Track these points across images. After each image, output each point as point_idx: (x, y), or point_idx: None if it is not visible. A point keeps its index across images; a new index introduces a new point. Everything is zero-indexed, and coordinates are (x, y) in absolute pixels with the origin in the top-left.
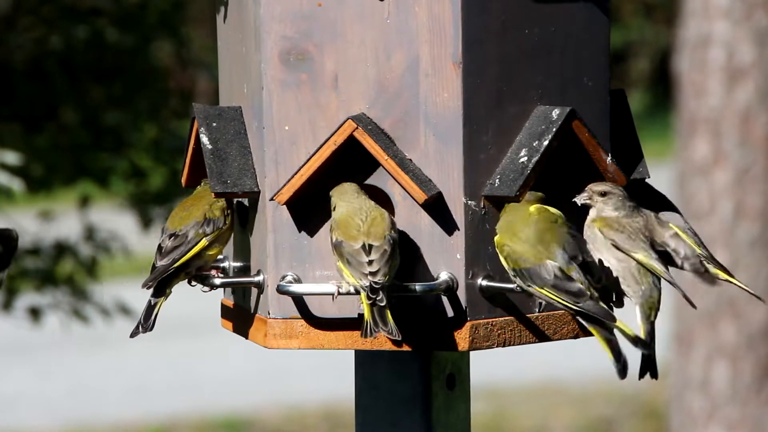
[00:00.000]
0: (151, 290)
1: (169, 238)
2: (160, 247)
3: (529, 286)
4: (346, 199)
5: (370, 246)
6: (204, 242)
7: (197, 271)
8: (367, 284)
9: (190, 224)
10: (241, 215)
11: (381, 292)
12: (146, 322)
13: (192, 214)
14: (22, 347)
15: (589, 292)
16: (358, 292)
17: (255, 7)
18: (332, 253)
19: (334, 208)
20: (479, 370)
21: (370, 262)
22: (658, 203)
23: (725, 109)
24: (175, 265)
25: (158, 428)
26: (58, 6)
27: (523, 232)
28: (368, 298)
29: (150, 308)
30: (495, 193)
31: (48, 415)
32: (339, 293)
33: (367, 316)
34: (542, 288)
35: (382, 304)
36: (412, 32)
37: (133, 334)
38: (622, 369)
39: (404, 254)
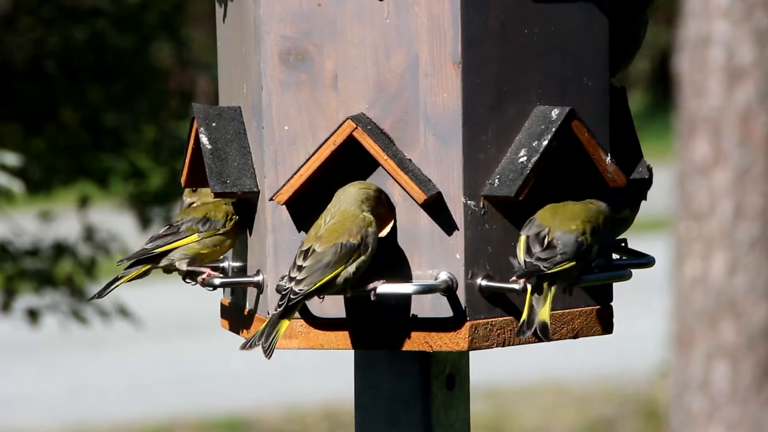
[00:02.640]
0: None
1: (164, 228)
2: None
3: (522, 234)
4: (333, 200)
5: (311, 250)
6: (194, 237)
7: (188, 266)
8: (286, 288)
9: (188, 219)
10: (240, 215)
11: (287, 299)
12: (103, 289)
13: (195, 211)
14: (22, 347)
15: (537, 263)
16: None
17: (255, 6)
18: None
19: None
20: (479, 370)
21: (300, 268)
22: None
23: (725, 109)
24: (156, 250)
25: (158, 428)
26: (58, 6)
27: (558, 207)
28: (278, 305)
29: (113, 279)
30: (494, 193)
31: (48, 415)
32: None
33: (265, 323)
34: (524, 236)
35: (279, 311)
36: (411, 32)
37: (90, 299)
38: (522, 329)
39: (403, 254)
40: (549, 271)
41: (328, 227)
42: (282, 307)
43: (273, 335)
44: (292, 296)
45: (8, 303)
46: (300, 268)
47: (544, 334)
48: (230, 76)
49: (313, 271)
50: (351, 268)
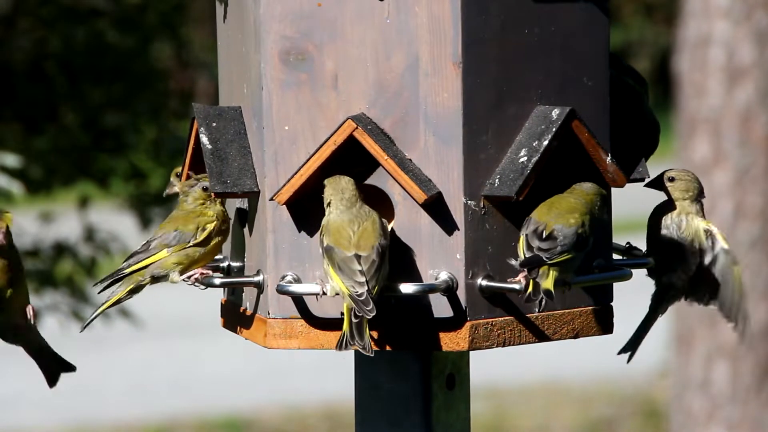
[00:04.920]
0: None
1: (141, 245)
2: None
3: (521, 234)
4: (343, 205)
5: (359, 256)
6: (163, 254)
7: (180, 275)
8: (362, 293)
9: (159, 234)
10: (241, 215)
11: (372, 304)
12: (89, 322)
13: (165, 227)
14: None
15: (536, 252)
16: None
17: (255, 7)
18: (322, 255)
19: (329, 204)
20: (479, 370)
21: (362, 272)
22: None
23: (725, 109)
24: (128, 270)
25: (158, 428)
26: (58, 7)
27: (553, 202)
28: (356, 311)
29: (98, 307)
30: (495, 193)
31: (48, 415)
32: (324, 293)
33: (345, 326)
34: (521, 235)
35: (371, 316)
36: (412, 32)
37: (81, 329)
38: (530, 297)
39: (404, 254)
40: (550, 261)
41: (361, 233)
42: (370, 308)
43: (365, 333)
44: (369, 295)
45: None
46: (362, 272)
47: (549, 296)
48: (230, 76)
49: (371, 273)
50: (387, 265)
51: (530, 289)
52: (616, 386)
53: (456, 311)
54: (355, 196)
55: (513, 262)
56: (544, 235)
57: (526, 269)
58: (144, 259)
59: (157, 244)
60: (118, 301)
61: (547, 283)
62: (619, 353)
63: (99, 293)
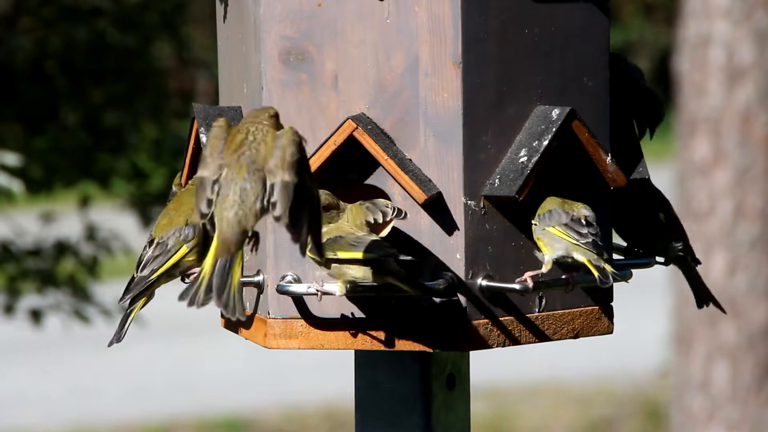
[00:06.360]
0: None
1: (150, 247)
2: (141, 257)
3: (543, 229)
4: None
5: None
6: (184, 249)
7: (181, 274)
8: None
9: (171, 231)
10: None
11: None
12: (119, 331)
13: (173, 221)
14: (22, 347)
15: (591, 237)
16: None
17: (255, 7)
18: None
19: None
20: (479, 370)
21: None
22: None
23: (725, 109)
24: (154, 276)
25: (158, 428)
26: (59, 7)
27: (557, 197)
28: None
29: (125, 317)
30: (495, 193)
31: (48, 415)
32: (324, 293)
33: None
34: (555, 226)
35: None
36: (412, 32)
37: (110, 344)
38: (603, 281)
39: (404, 254)
40: (600, 243)
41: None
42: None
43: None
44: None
45: (12, 305)
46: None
47: (614, 278)
48: (230, 76)
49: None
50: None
51: (597, 274)
52: (616, 386)
53: (456, 311)
54: (363, 222)
55: (537, 254)
56: (583, 221)
57: (596, 254)
58: (166, 262)
59: (176, 241)
60: (142, 308)
61: (608, 268)
62: (700, 307)
63: (120, 303)
